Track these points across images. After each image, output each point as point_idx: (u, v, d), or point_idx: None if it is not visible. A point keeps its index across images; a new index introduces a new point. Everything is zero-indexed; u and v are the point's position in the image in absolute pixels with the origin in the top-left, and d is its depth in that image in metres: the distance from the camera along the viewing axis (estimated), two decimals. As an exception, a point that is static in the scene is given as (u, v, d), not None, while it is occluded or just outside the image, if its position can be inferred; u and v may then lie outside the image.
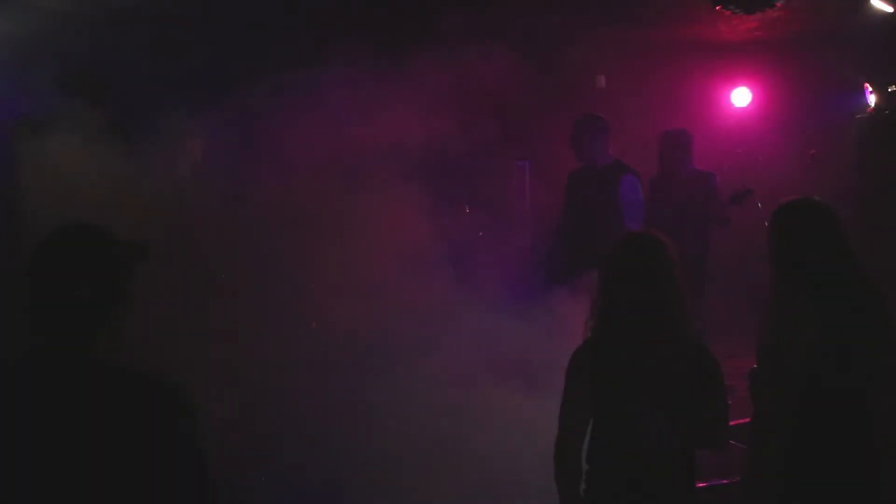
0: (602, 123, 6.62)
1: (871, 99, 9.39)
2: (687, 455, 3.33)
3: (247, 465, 5.19)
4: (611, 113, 6.90)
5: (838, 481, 3.33)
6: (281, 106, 6.20)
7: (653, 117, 8.48)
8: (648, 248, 3.36)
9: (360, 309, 5.69)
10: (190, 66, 6.57)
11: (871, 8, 7.83)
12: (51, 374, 2.31)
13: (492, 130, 6.86)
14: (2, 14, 6.16)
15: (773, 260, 3.52)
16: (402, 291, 5.79)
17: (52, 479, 2.24)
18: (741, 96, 10.10)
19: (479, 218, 7.34)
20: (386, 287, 5.83)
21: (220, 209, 6.06)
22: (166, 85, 6.32)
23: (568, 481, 3.38)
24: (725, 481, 4.80)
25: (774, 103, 9.90)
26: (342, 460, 5.31)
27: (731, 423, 3.50)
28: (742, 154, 9.27)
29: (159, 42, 6.53)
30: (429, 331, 5.72)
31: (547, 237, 7.14)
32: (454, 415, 5.40)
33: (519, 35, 6.89)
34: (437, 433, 5.28)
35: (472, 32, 6.50)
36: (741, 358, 4.12)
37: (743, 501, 3.76)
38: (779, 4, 7.02)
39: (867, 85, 9.38)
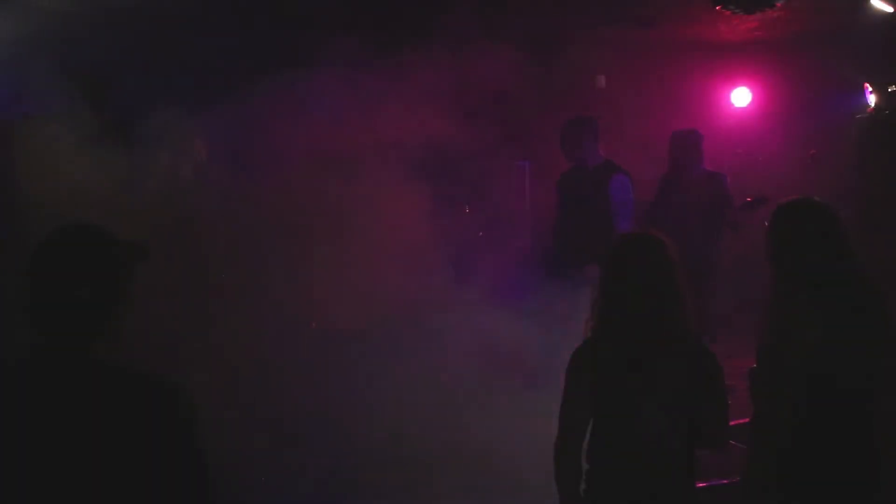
0: (592, 124, 6.61)
1: (871, 99, 9.39)
2: (687, 455, 3.33)
3: (247, 465, 5.19)
4: (611, 113, 6.91)
5: (838, 481, 3.33)
6: (280, 106, 6.20)
7: (653, 117, 8.49)
8: (648, 248, 3.36)
9: (361, 309, 5.69)
10: (190, 66, 6.57)
11: (871, 8, 7.83)
12: (51, 374, 2.31)
13: (492, 130, 6.86)
14: (2, 14, 6.17)
15: (773, 260, 3.52)
16: (402, 291, 5.79)
17: (53, 479, 2.24)
18: (741, 96, 10.11)
19: (479, 218, 7.34)
20: (386, 287, 5.83)
21: (220, 209, 6.06)
22: (166, 85, 6.32)
23: (568, 481, 3.38)
24: (725, 481, 4.80)
25: (774, 103, 9.90)
26: (342, 460, 5.32)
27: (731, 423, 3.50)
28: (742, 154, 9.28)
29: (159, 42, 6.53)
30: (429, 331, 5.72)
31: (545, 237, 7.14)
32: (454, 414, 5.40)
33: (519, 35, 6.89)
34: (437, 433, 5.28)
35: (472, 33, 6.50)
36: (741, 358, 4.11)
37: (743, 501, 3.76)
38: (779, 4, 7.02)
39: (867, 85, 9.38)
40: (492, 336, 5.87)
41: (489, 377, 5.70)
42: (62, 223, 2.41)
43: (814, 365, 3.30)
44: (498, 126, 7.09)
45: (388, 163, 6.15)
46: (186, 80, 6.44)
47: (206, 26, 6.61)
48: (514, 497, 4.93)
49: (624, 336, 3.31)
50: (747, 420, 3.68)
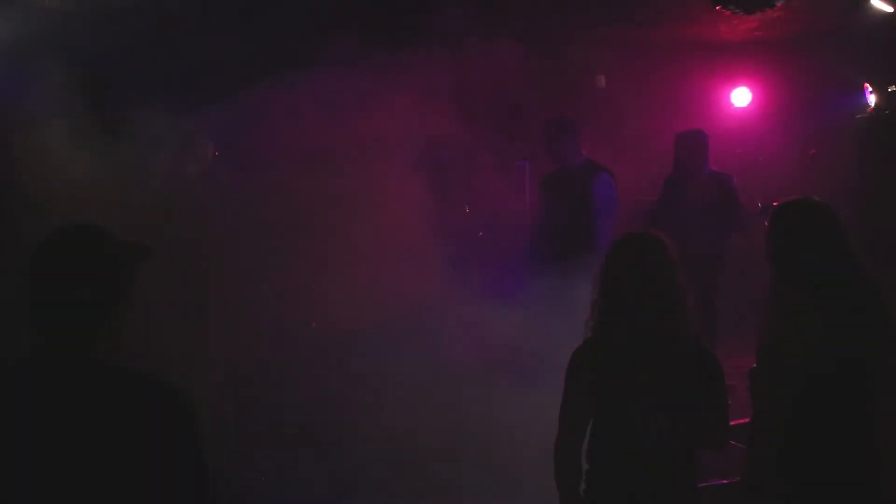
0: (572, 124, 6.59)
1: (871, 99, 9.39)
2: (687, 455, 3.33)
3: (247, 465, 5.19)
4: (611, 113, 6.90)
5: (838, 481, 3.33)
6: (280, 105, 6.20)
7: (653, 117, 8.49)
8: (648, 248, 3.36)
9: (361, 309, 5.69)
10: (190, 66, 6.57)
11: (871, 8, 7.83)
12: (51, 374, 2.30)
13: (492, 130, 6.86)
14: (2, 14, 6.17)
15: (773, 260, 3.52)
16: (402, 291, 5.79)
17: (52, 480, 2.24)
18: (741, 96, 10.11)
19: (479, 218, 7.33)
20: (386, 286, 5.83)
21: (221, 208, 6.06)
22: (166, 84, 6.33)
23: (568, 481, 3.38)
24: (725, 481, 4.80)
25: (774, 103, 9.90)
26: (342, 460, 5.31)
27: (731, 423, 3.50)
28: (742, 154, 9.27)
29: (159, 42, 6.53)
30: (429, 330, 5.72)
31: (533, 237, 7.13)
32: (453, 414, 5.40)
33: (519, 35, 6.89)
34: (437, 432, 5.28)
35: (473, 33, 6.50)
36: (741, 358, 4.12)
37: (743, 501, 3.76)
38: (779, 4, 7.02)
39: (867, 85, 9.38)
40: (492, 336, 5.87)
41: (489, 377, 5.69)
42: (62, 223, 2.41)
43: (814, 365, 3.30)
44: (498, 126, 7.09)
45: (388, 163, 6.15)
46: (186, 80, 6.44)
47: (206, 26, 6.61)
48: (514, 497, 4.93)
49: (623, 336, 3.31)
50: (747, 420, 3.68)
